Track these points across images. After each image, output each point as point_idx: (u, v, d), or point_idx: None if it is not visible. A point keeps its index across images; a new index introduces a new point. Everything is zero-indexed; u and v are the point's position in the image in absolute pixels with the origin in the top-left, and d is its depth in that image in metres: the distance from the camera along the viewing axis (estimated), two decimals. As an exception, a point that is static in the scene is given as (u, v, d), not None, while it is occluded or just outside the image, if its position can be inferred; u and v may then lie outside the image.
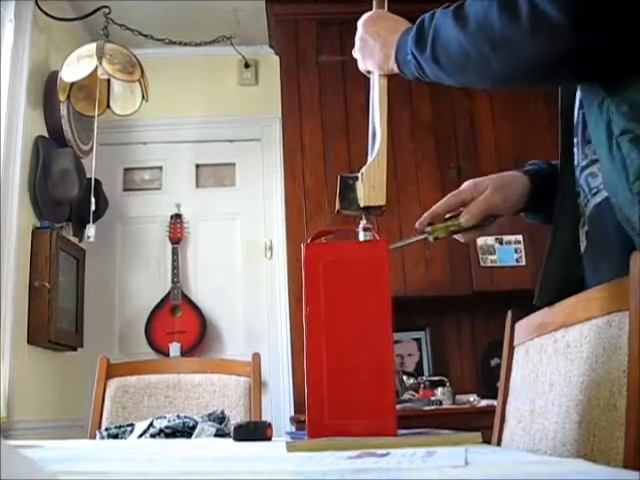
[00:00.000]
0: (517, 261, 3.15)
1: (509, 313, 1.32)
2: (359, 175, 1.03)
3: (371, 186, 1.02)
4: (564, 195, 1.16)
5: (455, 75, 1.03)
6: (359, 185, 1.02)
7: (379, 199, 1.02)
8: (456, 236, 1.22)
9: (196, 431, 1.35)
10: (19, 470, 0.38)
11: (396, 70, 1.12)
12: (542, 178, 1.25)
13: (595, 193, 1.06)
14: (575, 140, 1.13)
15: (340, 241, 1.05)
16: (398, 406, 2.23)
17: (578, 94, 1.10)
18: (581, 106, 1.08)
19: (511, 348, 1.28)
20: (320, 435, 0.90)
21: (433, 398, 2.96)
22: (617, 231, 0.98)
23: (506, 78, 1.00)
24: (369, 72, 1.17)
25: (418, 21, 1.07)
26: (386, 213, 1.05)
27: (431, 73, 1.05)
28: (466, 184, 1.23)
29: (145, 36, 3.72)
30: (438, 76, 1.05)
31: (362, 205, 1.02)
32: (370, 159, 1.05)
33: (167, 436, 1.44)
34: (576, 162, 1.13)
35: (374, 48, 1.14)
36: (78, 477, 0.62)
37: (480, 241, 3.16)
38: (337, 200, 1.03)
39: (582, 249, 1.12)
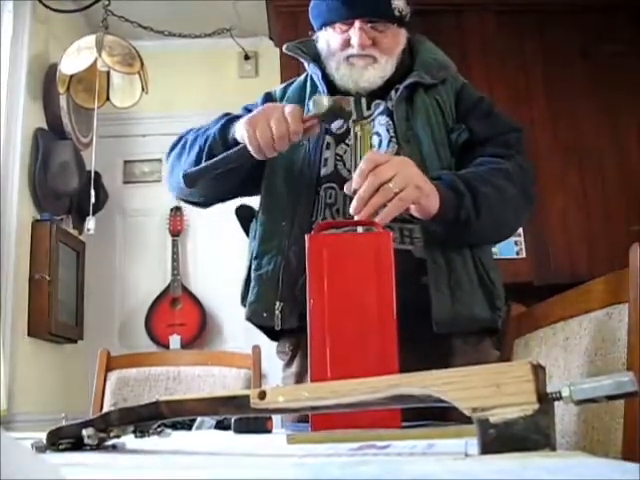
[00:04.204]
0: (517, 254, 3.14)
1: (509, 305, 1.32)
2: None
3: None
4: None
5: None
6: None
7: None
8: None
9: (196, 423, 1.35)
10: (19, 461, 0.38)
11: (434, 205, 1.13)
12: None
13: None
14: None
15: (344, 233, 1.04)
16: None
17: None
18: None
19: (511, 340, 1.28)
20: (324, 427, 0.90)
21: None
22: None
23: None
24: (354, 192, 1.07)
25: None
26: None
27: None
28: None
29: (145, 28, 3.70)
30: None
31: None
32: None
33: (167, 428, 1.43)
34: None
35: (421, 177, 1.12)
36: (78, 468, 0.62)
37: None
38: None
39: None
